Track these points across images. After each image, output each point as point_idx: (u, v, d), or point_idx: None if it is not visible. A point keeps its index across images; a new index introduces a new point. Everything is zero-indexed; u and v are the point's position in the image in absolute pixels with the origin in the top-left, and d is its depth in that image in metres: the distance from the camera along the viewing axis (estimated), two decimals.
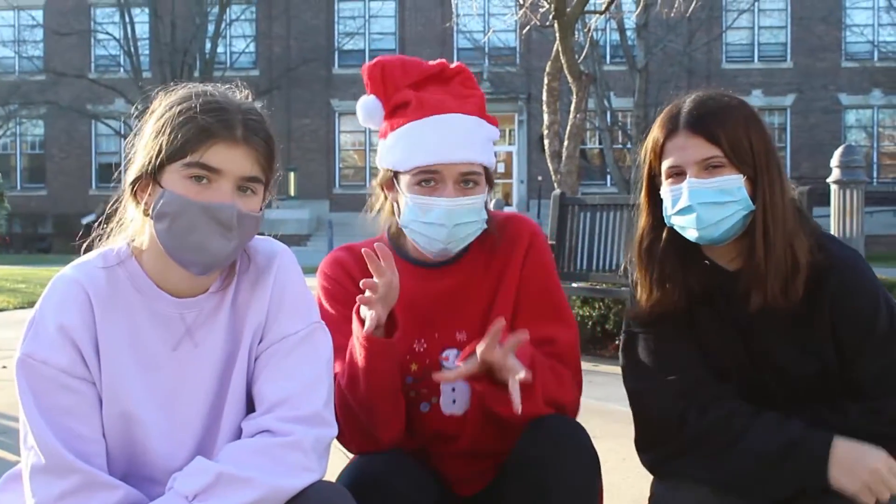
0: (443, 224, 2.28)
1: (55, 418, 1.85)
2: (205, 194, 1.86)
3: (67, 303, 1.91)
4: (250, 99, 2.00)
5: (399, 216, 2.37)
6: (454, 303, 2.40)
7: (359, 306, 2.19)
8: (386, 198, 2.43)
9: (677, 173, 2.18)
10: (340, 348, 2.28)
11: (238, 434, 1.97)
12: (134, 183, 1.92)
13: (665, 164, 2.20)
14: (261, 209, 1.96)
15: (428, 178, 2.29)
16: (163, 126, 1.89)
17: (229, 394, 1.99)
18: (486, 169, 2.34)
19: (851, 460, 2.07)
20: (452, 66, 2.45)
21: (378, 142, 2.43)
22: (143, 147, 1.92)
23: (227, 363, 2.00)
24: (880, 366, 2.15)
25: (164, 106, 1.93)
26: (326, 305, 2.39)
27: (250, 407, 2.03)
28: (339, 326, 2.30)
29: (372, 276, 2.18)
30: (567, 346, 2.38)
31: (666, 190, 2.20)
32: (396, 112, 2.37)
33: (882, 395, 2.14)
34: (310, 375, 1.99)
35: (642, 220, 2.32)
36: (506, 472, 2.26)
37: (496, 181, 2.22)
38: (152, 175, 1.89)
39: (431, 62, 2.46)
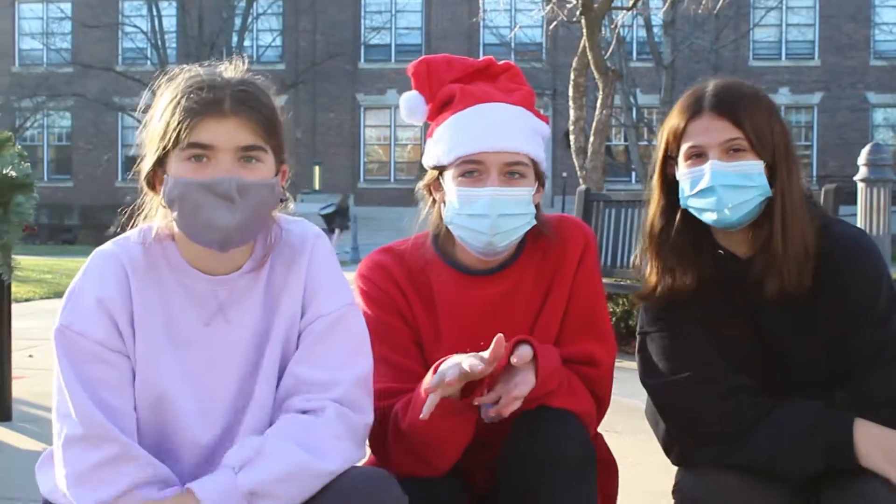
0: (486, 214, 2.20)
1: (91, 389, 1.89)
2: (204, 171, 1.89)
3: (106, 276, 1.96)
4: (243, 73, 2.00)
5: (444, 215, 2.31)
6: (502, 311, 2.32)
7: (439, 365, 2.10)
8: (434, 202, 2.37)
9: (697, 154, 2.19)
10: (382, 359, 2.24)
11: (267, 413, 2.00)
12: (148, 176, 1.96)
13: (685, 146, 2.20)
14: (278, 175, 1.97)
15: (472, 169, 2.23)
16: (161, 116, 1.93)
17: (261, 373, 2.01)
18: (534, 162, 2.28)
19: (888, 443, 2.06)
20: (500, 62, 2.41)
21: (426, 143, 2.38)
22: (149, 140, 1.96)
23: (260, 342, 2.02)
24: (872, 345, 2.14)
25: (163, 96, 1.96)
26: (366, 310, 2.32)
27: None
28: (381, 335, 2.27)
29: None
30: (606, 369, 2.32)
31: (684, 172, 2.21)
32: (443, 109, 2.33)
33: (868, 375, 2.13)
34: (341, 358, 2.02)
35: (653, 205, 2.31)
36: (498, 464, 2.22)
37: None
38: (160, 166, 1.93)
39: (478, 60, 2.42)
